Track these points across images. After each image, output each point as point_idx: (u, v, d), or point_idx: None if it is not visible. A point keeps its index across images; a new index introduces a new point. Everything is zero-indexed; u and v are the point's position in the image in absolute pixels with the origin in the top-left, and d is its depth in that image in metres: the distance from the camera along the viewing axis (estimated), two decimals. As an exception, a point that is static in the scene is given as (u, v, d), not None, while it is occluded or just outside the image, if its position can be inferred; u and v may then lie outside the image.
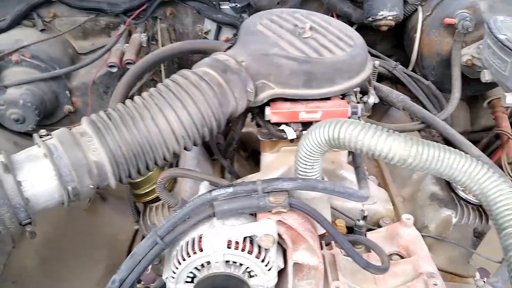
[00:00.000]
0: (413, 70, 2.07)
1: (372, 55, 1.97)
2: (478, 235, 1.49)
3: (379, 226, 1.42)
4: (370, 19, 1.99)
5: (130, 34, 2.27)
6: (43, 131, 1.07)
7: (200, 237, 1.01)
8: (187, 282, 1.04)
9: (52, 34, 2.24)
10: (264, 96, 1.26)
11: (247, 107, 1.27)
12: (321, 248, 1.19)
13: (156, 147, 1.10)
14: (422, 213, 1.48)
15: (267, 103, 1.29)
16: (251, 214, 1.07)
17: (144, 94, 1.16)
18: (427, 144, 1.01)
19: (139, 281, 1.59)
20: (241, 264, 1.02)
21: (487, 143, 2.07)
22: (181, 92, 1.13)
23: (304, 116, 1.29)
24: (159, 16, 2.27)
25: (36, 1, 2.21)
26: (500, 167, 1.78)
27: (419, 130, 1.67)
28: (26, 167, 1.01)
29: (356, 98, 1.34)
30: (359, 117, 1.33)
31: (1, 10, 2.23)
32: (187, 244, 1.02)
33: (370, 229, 1.36)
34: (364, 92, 1.39)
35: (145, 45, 2.25)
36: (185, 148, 1.16)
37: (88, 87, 2.24)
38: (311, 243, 1.04)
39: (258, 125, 1.39)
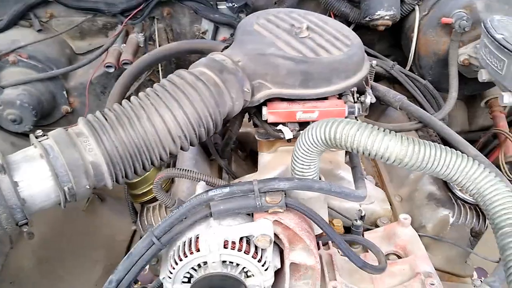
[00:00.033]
0: (410, 70, 2.07)
1: (369, 54, 1.99)
2: (475, 235, 1.49)
3: (377, 226, 1.42)
4: (367, 18, 1.99)
5: (127, 34, 2.28)
6: (39, 132, 1.07)
7: (197, 237, 1.01)
8: (184, 282, 1.04)
9: (49, 34, 2.24)
10: (261, 96, 1.26)
11: (244, 107, 1.27)
12: (318, 248, 1.19)
13: (153, 147, 1.10)
14: (419, 213, 1.48)
15: (264, 103, 1.29)
16: (248, 214, 1.07)
17: (141, 94, 1.15)
18: (423, 143, 1.01)
19: (136, 282, 1.59)
20: (238, 264, 1.02)
21: (485, 142, 2.08)
22: (178, 92, 1.13)
23: (301, 116, 1.29)
24: (156, 16, 2.27)
25: (33, 1, 2.21)
26: (498, 166, 1.79)
27: (416, 130, 1.67)
28: (22, 168, 1.01)
29: (353, 98, 1.34)
30: (356, 117, 1.33)
31: (-2, 11, 2.23)
32: (184, 244, 1.01)
33: (367, 229, 1.36)
34: (361, 91, 1.39)
35: (142, 45, 2.25)
36: (182, 148, 1.16)
37: (86, 88, 2.24)
38: (308, 243, 1.04)
39: (255, 125, 1.39)
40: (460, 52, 1.83)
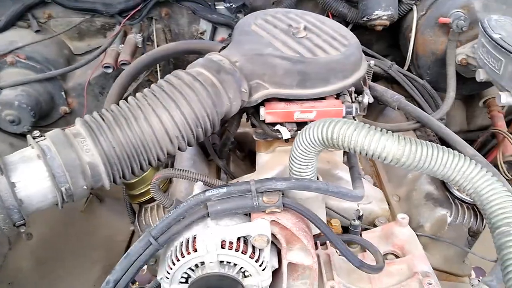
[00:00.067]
0: (408, 70, 2.07)
1: (367, 54, 1.99)
2: (473, 234, 1.49)
3: (375, 226, 1.42)
4: (365, 18, 1.99)
5: (125, 34, 2.28)
6: (36, 132, 1.07)
7: (194, 238, 1.01)
8: (181, 282, 1.04)
9: (47, 35, 2.24)
10: (258, 96, 1.26)
11: (242, 107, 1.27)
12: (316, 248, 1.19)
13: (150, 148, 1.10)
14: (417, 213, 1.48)
15: (262, 103, 1.29)
16: (246, 214, 1.07)
17: (138, 94, 1.16)
18: (420, 143, 1.01)
19: (133, 282, 1.59)
20: (235, 264, 1.02)
21: (483, 142, 2.08)
22: (175, 93, 1.13)
23: (298, 116, 1.29)
24: (155, 17, 2.27)
25: (31, 2, 2.21)
26: (496, 166, 1.79)
27: (414, 130, 1.67)
28: (19, 169, 1.01)
29: (351, 97, 1.35)
30: (354, 117, 1.33)
31: (-4, 11, 2.23)
32: (181, 245, 1.02)
33: (365, 229, 1.36)
34: (359, 91, 1.39)
35: (140, 46, 2.25)
36: (179, 149, 1.16)
37: (84, 88, 2.24)
38: (305, 243, 1.04)
39: (253, 125, 1.39)
40: (457, 52, 1.83)
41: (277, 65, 1.24)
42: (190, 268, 1.02)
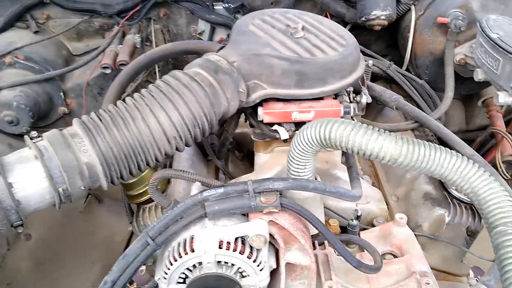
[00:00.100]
0: (407, 70, 2.08)
1: (366, 54, 1.99)
2: (471, 234, 1.49)
3: (373, 226, 1.42)
4: (363, 18, 1.99)
5: (124, 35, 2.28)
6: (34, 133, 1.07)
7: (192, 238, 1.01)
8: (179, 283, 1.04)
9: (46, 36, 2.25)
10: (256, 96, 1.26)
11: (240, 108, 1.27)
12: (314, 248, 1.19)
13: (147, 148, 1.10)
14: (415, 212, 1.48)
15: (260, 103, 1.29)
16: (243, 215, 1.07)
17: (135, 95, 1.15)
18: (418, 143, 1.01)
19: (131, 282, 1.59)
20: (233, 265, 1.02)
21: (482, 142, 2.08)
22: (172, 93, 1.13)
23: (296, 116, 1.29)
24: (153, 17, 2.27)
25: (30, 2, 2.21)
26: (495, 166, 1.79)
27: (412, 130, 1.67)
28: (16, 169, 1.01)
29: (349, 97, 1.34)
30: (352, 117, 1.33)
31: (-6, 12, 2.23)
32: (179, 245, 1.02)
33: (364, 229, 1.36)
34: (357, 91, 1.39)
35: (139, 46, 2.25)
36: (177, 149, 1.16)
37: (83, 89, 2.24)
38: (303, 243, 1.04)
39: (252, 126, 1.39)
40: (456, 52, 1.84)
41: (274, 65, 1.24)
42: (187, 269, 1.02)
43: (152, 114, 1.10)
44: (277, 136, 1.32)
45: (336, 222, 1.35)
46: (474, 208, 1.48)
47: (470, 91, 2.05)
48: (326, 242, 1.22)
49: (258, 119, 1.30)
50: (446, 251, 1.49)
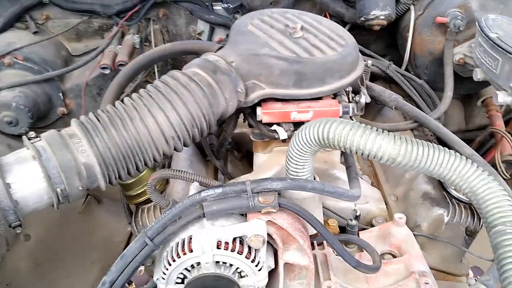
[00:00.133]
0: (406, 69, 2.07)
1: (365, 54, 1.99)
2: (470, 234, 1.49)
3: (372, 226, 1.42)
4: (362, 18, 1.99)
5: (123, 35, 2.28)
6: (32, 133, 1.07)
7: (190, 238, 1.01)
8: (177, 283, 1.04)
9: (45, 36, 2.25)
10: (255, 96, 1.26)
11: (239, 108, 1.27)
12: (313, 248, 1.19)
13: (146, 148, 1.10)
14: (414, 212, 1.48)
15: (259, 103, 1.29)
16: (242, 215, 1.07)
17: (134, 95, 1.15)
18: (416, 142, 1.01)
19: (129, 283, 1.59)
20: (231, 265, 1.02)
21: (482, 141, 2.08)
22: (170, 93, 1.13)
23: (295, 116, 1.28)
24: (152, 18, 2.27)
25: (29, 3, 2.22)
26: (495, 165, 1.78)
27: (412, 129, 1.67)
28: (15, 170, 1.01)
29: (348, 97, 1.34)
30: (351, 117, 1.33)
31: (-7, 13, 2.23)
32: (177, 245, 1.01)
33: (363, 229, 1.36)
34: (356, 91, 1.39)
35: (138, 47, 2.25)
36: (175, 149, 1.15)
37: (82, 89, 2.24)
38: (301, 243, 1.04)
39: (250, 126, 1.39)
40: (455, 52, 1.84)
41: (273, 65, 1.23)
42: (186, 269, 1.02)
43: (150, 114, 1.10)
44: (276, 136, 1.32)
45: (335, 222, 1.35)
46: (473, 208, 1.48)
47: (469, 90, 2.05)
48: (325, 242, 1.21)
49: (257, 119, 1.30)
50: (445, 251, 1.49)
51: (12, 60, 2.13)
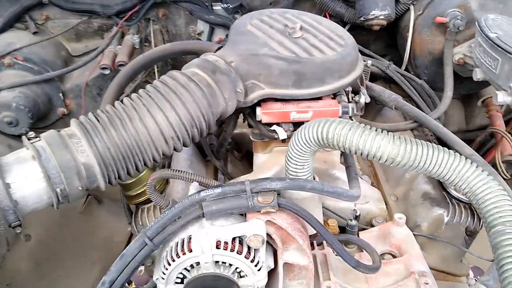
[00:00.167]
0: (406, 69, 2.07)
1: (365, 54, 1.99)
2: (470, 234, 1.49)
3: (372, 226, 1.42)
4: (362, 18, 2.00)
5: (123, 36, 2.28)
6: (31, 134, 1.07)
7: (189, 238, 1.01)
8: (177, 283, 1.04)
9: (44, 37, 2.25)
10: (254, 96, 1.26)
11: (238, 108, 1.27)
12: (313, 248, 1.19)
13: (145, 148, 1.10)
14: (414, 212, 1.48)
15: (258, 103, 1.29)
16: (241, 215, 1.07)
17: (133, 95, 1.15)
18: (415, 142, 1.01)
19: (129, 283, 1.59)
20: (230, 265, 1.02)
21: (482, 141, 2.07)
22: (170, 93, 1.13)
23: (295, 116, 1.28)
24: (152, 18, 2.27)
25: (29, 3, 2.21)
26: (495, 165, 1.78)
27: (411, 129, 1.67)
28: (14, 170, 1.01)
29: (348, 97, 1.34)
30: (350, 117, 1.33)
31: (-7, 13, 2.23)
32: (177, 245, 1.01)
33: (363, 229, 1.36)
34: (356, 91, 1.39)
35: (138, 47, 2.25)
36: (175, 149, 1.15)
37: (82, 89, 2.24)
38: (301, 243, 1.04)
39: (250, 126, 1.39)
40: (455, 51, 1.84)
41: (272, 65, 1.23)
42: (185, 269, 1.02)
43: (150, 114, 1.10)
44: (276, 136, 1.32)
45: (335, 222, 1.35)
46: (473, 208, 1.48)
47: (469, 90, 2.05)
48: (325, 242, 1.21)
49: (257, 119, 1.30)
50: (445, 251, 1.49)
51: (12, 61, 2.13)
